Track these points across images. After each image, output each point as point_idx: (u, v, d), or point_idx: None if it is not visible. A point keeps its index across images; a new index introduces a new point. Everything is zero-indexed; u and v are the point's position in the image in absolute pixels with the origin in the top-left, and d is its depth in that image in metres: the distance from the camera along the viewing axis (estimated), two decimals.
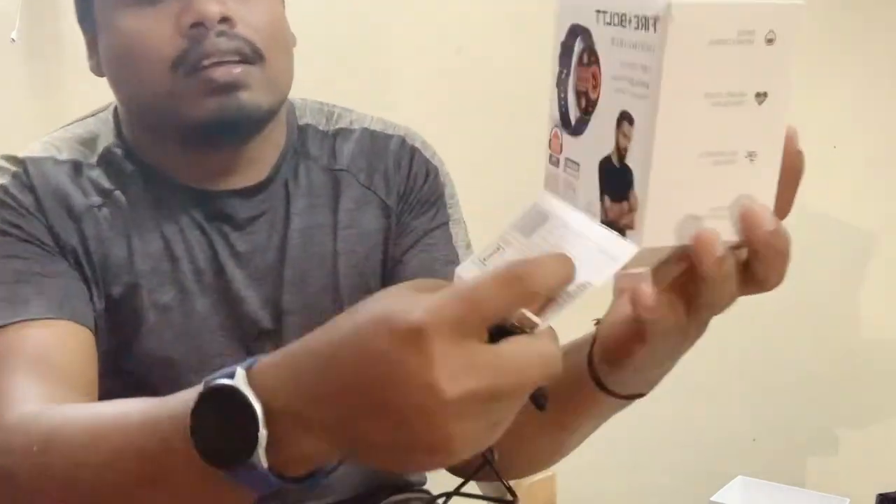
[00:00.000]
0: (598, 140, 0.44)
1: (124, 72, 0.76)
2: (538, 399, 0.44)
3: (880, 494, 1.63)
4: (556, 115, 0.48)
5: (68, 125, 0.83)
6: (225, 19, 0.71)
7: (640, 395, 0.58)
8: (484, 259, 0.47)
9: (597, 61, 0.44)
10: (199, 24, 0.70)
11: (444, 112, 1.60)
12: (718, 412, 1.88)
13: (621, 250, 0.42)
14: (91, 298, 0.75)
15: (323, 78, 1.54)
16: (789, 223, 0.44)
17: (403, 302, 0.38)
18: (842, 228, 1.84)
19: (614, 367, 0.55)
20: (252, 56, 0.72)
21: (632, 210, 0.42)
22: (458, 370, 0.37)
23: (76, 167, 0.78)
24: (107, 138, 0.80)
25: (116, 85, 0.78)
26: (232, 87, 0.71)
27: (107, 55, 0.77)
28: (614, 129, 0.42)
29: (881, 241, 1.88)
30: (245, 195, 0.79)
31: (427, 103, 1.63)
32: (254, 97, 0.72)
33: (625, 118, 0.42)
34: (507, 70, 1.70)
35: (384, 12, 1.64)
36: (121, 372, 0.76)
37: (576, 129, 0.46)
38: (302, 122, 0.85)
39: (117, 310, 0.76)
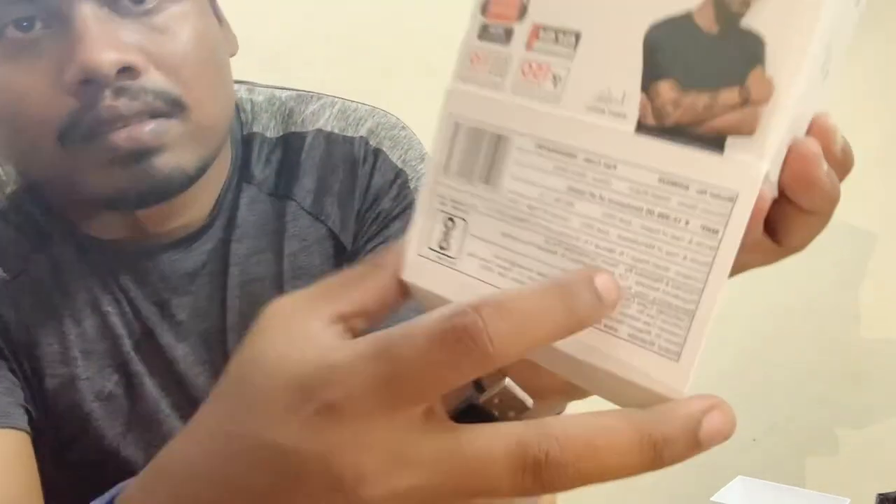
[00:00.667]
0: None
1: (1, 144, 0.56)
2: None
3: (880, 494, 1.62)
4: None
5: None
6: (125, 69, 0.50)
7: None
8: (440, 245, 0.30)
9: None
10: (89, 81, 0.50)
11: None
12: None
13: (736, 177, 0.25)
14: (22, 391, 0.59)
15: (320, 78, 1.54)
16: None
17: (299, 357, 0.27)
18: (842, 228, 1.84)
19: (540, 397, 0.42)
20: (169, 109, 0.52)
21: (749, 102, 0.25)
22: (383, 462, 0.26)
23: None
24: (11, 174, 0.61)
25: None
26: (142, 154, 0.52)
27: None
28: None
29: (881, 241, 1.88)
30: (184, 245, 0.61)
31: (426, 103, 1.63)
32: (174, 159, 0.53)
33: None
34: None
35: (383, 13, 1.64)
36: (69, 467, 0.63)
37: None
38: (248, 130, 0.65)
39: (54, 405, 0.61)
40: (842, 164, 0.30)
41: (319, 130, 0.65)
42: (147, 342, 0.62)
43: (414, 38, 1.67)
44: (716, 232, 0.25)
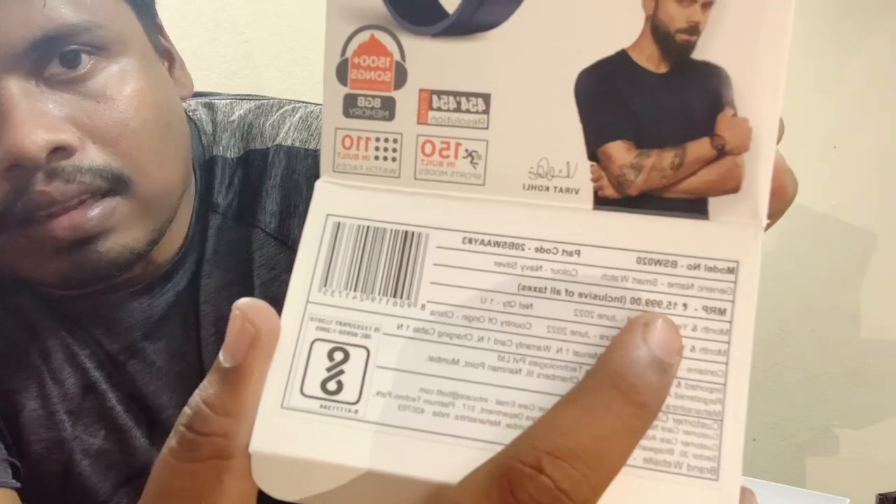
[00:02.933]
0: (568, 26, 0.21)
1: None
2: None
3: (880, 494, 1.62)
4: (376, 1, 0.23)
5: None
6: (57, 150, 0.45)
7: None
8: (326, 387, 0.21)
9: None
10: (17, 166, 0.45)
11: None
12: None
13: (730, 242, 0.21)
14: (9, 452, 0.55)
15: (320, 79, 1.54)
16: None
17: None
18: (842, 228, 1.84)
19: None
20: (111, 186, 0.48)
21: (726, 152, 0.21)
22: None
23: None
24: None
25: None
26: (85, 241, 0.48)
27: None
28: None
29: (881, 241, 1.88)
30: (154, 289, 0.57)
31: None
32: (120, 241, 0.48)
33: None
34: None
35: None
36: None
37: (473, 20, 0.22)
38: (209, 154, 0.60)
39: (40, 466, 0.57)
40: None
41: (279, 146, 0.59)
42: (130, 392, 0.59)
43: None
44: (723, 311, 0.21)
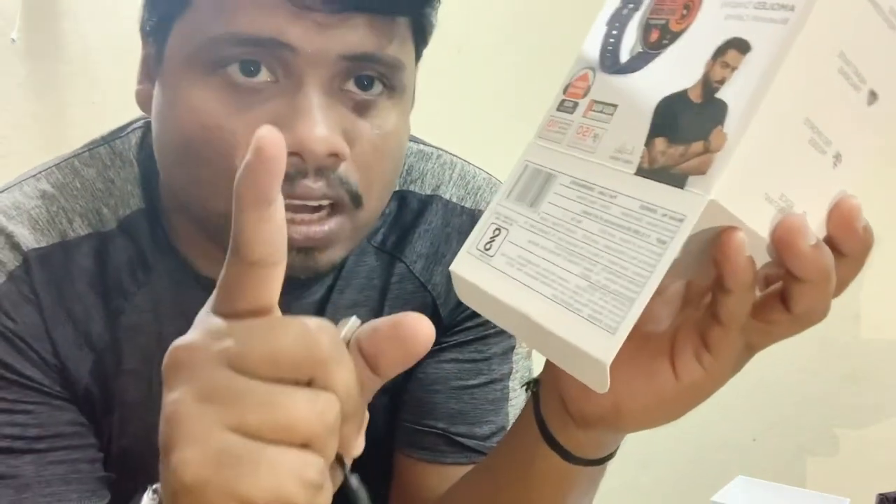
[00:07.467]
0: (666, 75, 0.36)
1: (176, 162, 0.53)
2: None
3: (880, 494, 1.62)
4: (595, 55, 0.40)
5: (72, 157, 0.59)
6: (333, 155, 0.49)
7: (610, 457, 0.49)
8: (485, 247, 0.40)
9: None
10: (296, 154, 0.48)
11: (444, 112, 1.60)
12: (718, 412, 1.87)
13: (687, 205, 0.33)
14: (108, 445, 0.57)
15: None
16: None
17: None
18: None
19: (586, 426, 0.45)
20: (349, 204, 0.51)
21: (708, 151, 0.33)
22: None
23: (95, 251, 0.56)
24: (129, 193, 0.58)
25: (161, 166, 0.56)
26: (309, 249, 0.51)
27: (162, 121, 0.54)
28: (706, 59, 0.35)
29: (881, 241, 1.88)
30: (294, 293, 0.59)
31: (427, 103, 1.62)
32: (333, 255, 0.52)
33: (733, 46, 0.34)
34: (508, 70, 1.70)
35: None
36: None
37: (627, 67, 0.38)
38: None
39: (122, 452, 0.59)
40: (863, 241, 0.38)
41: (439, 197, 0.65)
42: None
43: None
44: (664, 243, 0.33)
